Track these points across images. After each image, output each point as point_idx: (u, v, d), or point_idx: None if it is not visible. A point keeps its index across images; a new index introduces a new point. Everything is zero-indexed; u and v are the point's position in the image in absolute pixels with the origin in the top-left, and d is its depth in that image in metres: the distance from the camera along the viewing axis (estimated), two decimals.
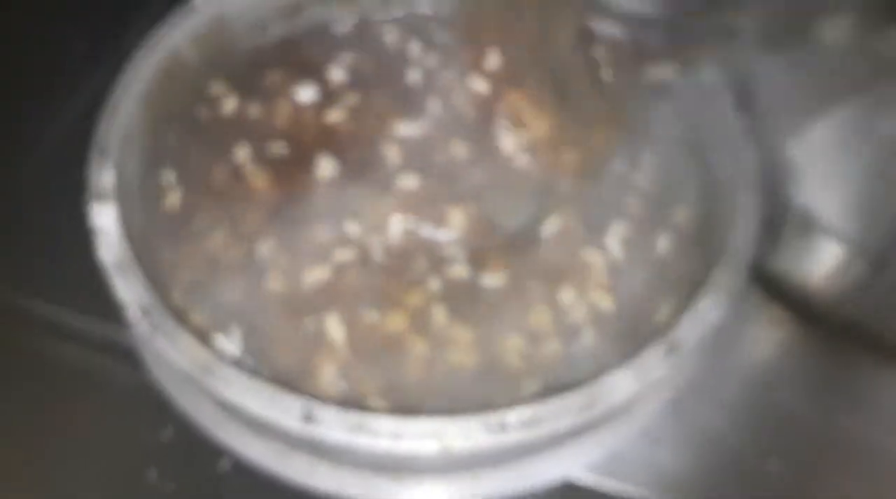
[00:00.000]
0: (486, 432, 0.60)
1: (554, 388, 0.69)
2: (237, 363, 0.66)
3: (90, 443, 0.78)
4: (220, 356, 0.64)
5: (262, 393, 0.61)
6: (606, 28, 0.82)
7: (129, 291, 0.65)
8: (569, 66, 0.84)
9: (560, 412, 0.61)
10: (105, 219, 0.69)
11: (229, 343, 0.71)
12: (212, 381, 0.61)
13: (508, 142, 0.82)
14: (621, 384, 0.62)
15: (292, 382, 0.70)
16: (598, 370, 0.69)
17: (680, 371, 0.68)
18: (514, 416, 0.60)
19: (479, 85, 0.85)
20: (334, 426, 0.60)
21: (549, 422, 0.61)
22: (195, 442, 0.75)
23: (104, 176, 0.71)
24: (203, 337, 0.69)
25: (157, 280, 0.70)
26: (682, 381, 0.72)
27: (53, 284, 0.82)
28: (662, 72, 0.79)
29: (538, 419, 0.60)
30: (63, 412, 0.78)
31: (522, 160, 0.82)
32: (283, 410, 0.61)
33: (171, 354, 0.62)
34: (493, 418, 0.61)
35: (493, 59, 0.86)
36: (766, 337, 0.80)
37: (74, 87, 0.92)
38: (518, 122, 0.82)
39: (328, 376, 0.70)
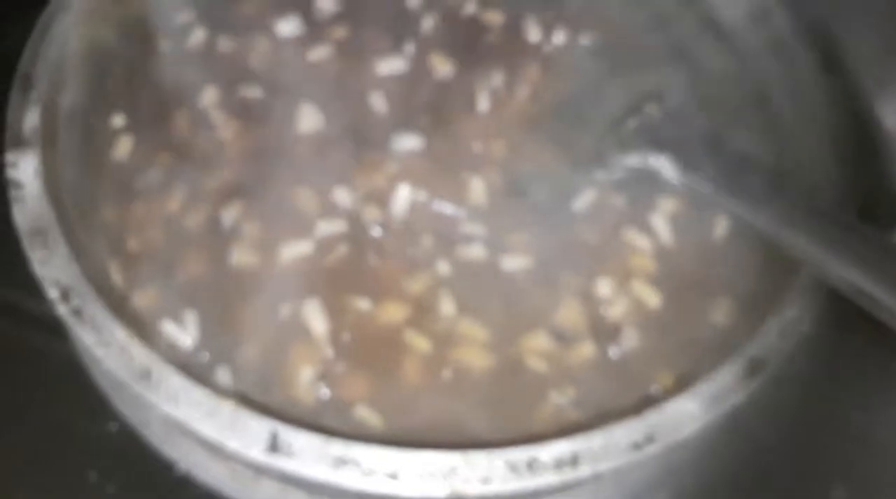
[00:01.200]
0: (510, 474, 0.44)
1: (590, 403, 0.53)
2: (186, 363, 0.49)
3: (21, 434, 0.62)
4: (164, 355, 0.47)
5: (216, 411, 0.44)
6: None
7: (46, 265, 0.48)
8: None
9: (608, 450, 0.45)
10: (22, 171, 0.52)
11: (181, 333, 0.55)
12: (149, 390, 0.45)
13: (527, 87, 0.65)
14: (689, 413, 0.46)
15: (260, 384, 0.54)
16: (644, 382, 0.53)
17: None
18: (547, 453, 0.44)
19: (494, 16, 0.67)
20: (309, 458, 0.44)
21: (592, 462, 0.44)
22: (142, 444, 0.59)
23: (27, 115, 0.54)
24: (145, 326, 0.52)
25: (90, 251, 0.53)
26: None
27: None
28: None
29: (578, 458, 0.44)
30: None
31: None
32: (242, 434, 0.44)
33: (97, 351, 0.45)
34: (520, 453, 0.44)
35: None
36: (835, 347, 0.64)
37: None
38: None
39: (305, 377, 0.55)
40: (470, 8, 0.70)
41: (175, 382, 0.46)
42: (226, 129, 0.64)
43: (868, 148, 0.65)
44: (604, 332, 0.59)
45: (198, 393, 0.46)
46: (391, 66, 0.67)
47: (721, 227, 0.63)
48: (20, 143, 0.53)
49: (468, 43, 0.69)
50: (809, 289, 0.53)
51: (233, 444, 0.44)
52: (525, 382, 0.57)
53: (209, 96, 0.65)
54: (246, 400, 0.48)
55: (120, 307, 0.52)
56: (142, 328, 0.54)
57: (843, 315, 0.53)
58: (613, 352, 0.58)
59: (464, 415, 0.55)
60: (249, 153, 0.63)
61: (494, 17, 0.70)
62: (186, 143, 0.64)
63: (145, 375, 0.46)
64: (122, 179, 0.61)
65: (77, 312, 0.47)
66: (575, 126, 0.64)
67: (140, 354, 0.47)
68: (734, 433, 0.54)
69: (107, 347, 0.46)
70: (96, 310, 0.48)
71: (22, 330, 0.66)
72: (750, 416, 0.52)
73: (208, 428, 0.45)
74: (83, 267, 0.50)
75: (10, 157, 0.53)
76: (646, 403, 0.51)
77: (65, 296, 0.48)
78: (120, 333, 0.47)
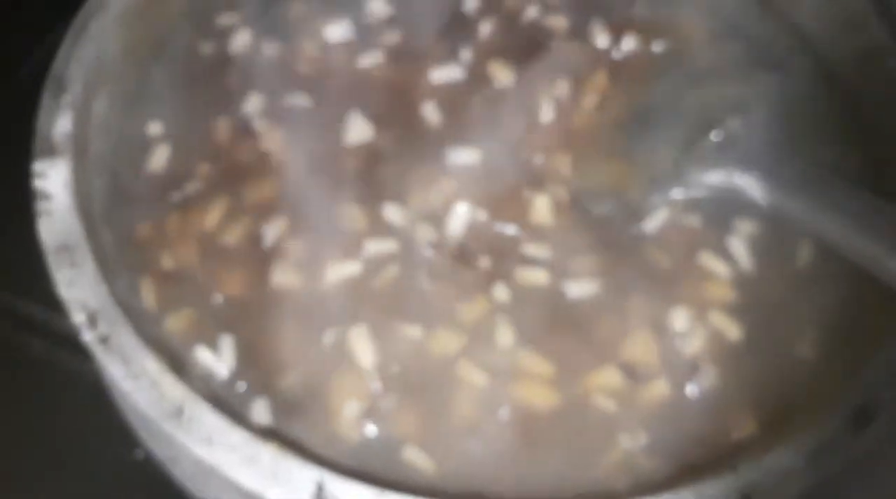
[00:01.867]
0: None
1: (664, 449, 0.47)
2: (221, 394, 0.44)
3: (45, 459, 0.59)
4: (198, 389, 0.41)
5: (256, 456, 0.39)
6: None
7: (73, 286, 0.43)
8: None
9: None
10: (52, 181, 0.47)
11: (216, 360, 0.50)
12: (181, 430, 0.39)
13: (594, 97, 0.58)
14: (792, 469, 0.39)
15: (300, 419, 0.48)
16: (725, 427, 0.47)
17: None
18: None
19: (557, 20, 0.62)
20: None
21: None
22: (169, 478, 0.53)
23: (58, 121, 0.49)
24: (177, 353, 0.46)
25: (120, 270, 0.48)
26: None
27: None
28: None
29: None
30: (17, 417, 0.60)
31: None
32: (285, 483, 0.39)
33: (125, 384, 0.40)
34: None
35: None
36: None
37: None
38: None
39: (350, 412, 0.50)
40: (531, 12, 0.65)
41: (210, 421, 0.41)
42: (269, 138, 0.59)
43: None
44: (679, 368, 0.53)
45: (236, 435, 0.40)
46: (446, 73, 0.62)
47: (805, 251, 0.56)
48: (50, 151, 0.48)
49: (529, 49, 0.63)
50: None
51: (274, 494, 0.39)
52: (592, 423, 0.51)
53: (253, 103, 0.60)
54: (288, 443, 0.42)
55: (150, 332, 0.47)
56: (174, 355, 0.49)
57: None
58: (690, 391, 0.52)
59: (523, 460, 0.49)
60: (294, 165, 0.58)
61: (558, 22, 0.64)
62: (227, 153, 0.59)
63: (177, 412, 0.41)
64: (156, 192, 0.57)
65: (104, 340, 0.42)
66: (648, 140, 0.58)
67: (172, 388, 0.41)
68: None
69: (135, 379, 0.41)
70: (125, 338, 0.43)
71: (48, 348, 0.63)
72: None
73: (247, 476, 0.39)
74: (112, 289, 0.44)
75: (38, 166, 0.48)
76: (735, 453, 0.44)
77: (92, 321, 0.43)
78: (151, 365, 0.42)
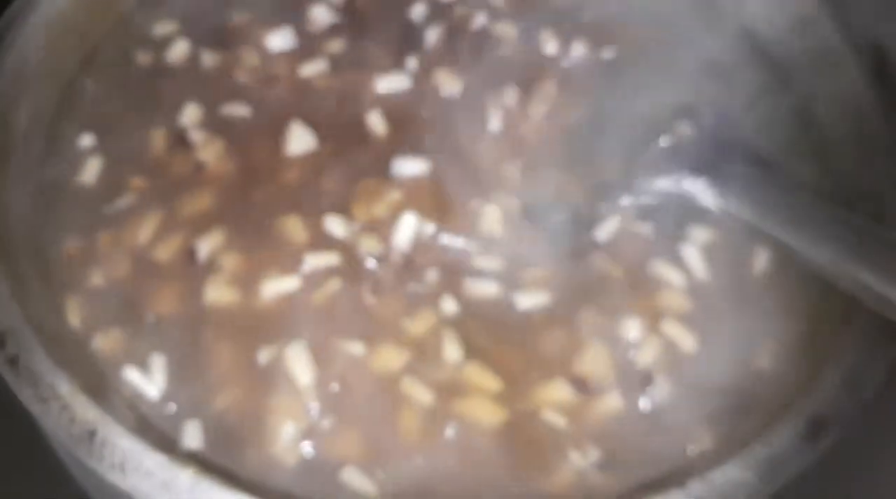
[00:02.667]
0: None
1: (617, 466, 0.44)
2: (148, 417, 0.40)
3: None
4: (117, 410, 0.38)
5: (172, 481, 0.35)
6: None
7: None
8: None
9: None
10: None
11: (145, 381, 0.46)
12: (91, 456, 0.36)
13: (543, 107, 0.56)
14: (743, 484, 0.37)
15: (234, 441, 0.45)
16: (680, 441, 0.44)
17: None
18: None
19: (506, 28, 0.60)
20: None
21: None
22: None
23: None
24: (104, 375, 0.43)
25: (43, 287, 0.44)
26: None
27: None
28: None
29: None
30: None
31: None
32: None
33: (33, 407, 0.36)
34: None
35: None
36: None
37: None
38: None
39: (287, 434, 0.47)
40: (480, 19, 0.62)
41: (124, 444, 0.37)
42: (207, 150, 0.56)
43: None
44: (632, 381, 0.50)
45: (151, 459, 0.37)
46: (392, 82, 0.59)
47: (761, 259, 0.54)
48: None
49: (478, 57, 0.60)
50: (876, 332, 0.43)
51: None
52: (541, 440, 0.48)
53: (189, 114, 0.57)
54: (209, 466, 0.39)
55: (74, 353, 0.43)
56: (99, 377, 0.45)
57: None
58: (643, 404, 0.49)
59: (469, 481, 0.45)
60: (232, 177, 0.55)
61: (506, 29, 0.62)
62: (162, 165, 0.56)
63: (88, 436, 0.37)
64: (87, 206, 0.53)
65: (12, 361, 0.39)
66: (597, 147, 0.55)
67: (84, 410, 0.38)
68: None
69: (44, 402, 0.38)
70: (36, 358, 0.39)
71: None
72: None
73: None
74: (26, 308, 0.41)
75: None
76: (687, 468, 0.41)
77: (1, 343, 0.39)
78: (63, 386, 0.38)
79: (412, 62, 0.60)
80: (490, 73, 0.60)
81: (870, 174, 0.53)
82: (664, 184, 0.52)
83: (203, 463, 0.41)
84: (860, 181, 0.54)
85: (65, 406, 0.38)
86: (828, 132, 0.57)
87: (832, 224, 0.46)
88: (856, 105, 0.55)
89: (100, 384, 0.44)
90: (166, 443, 0.42)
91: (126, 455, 0.37)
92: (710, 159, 0.51)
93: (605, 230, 0.54)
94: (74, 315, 0.49)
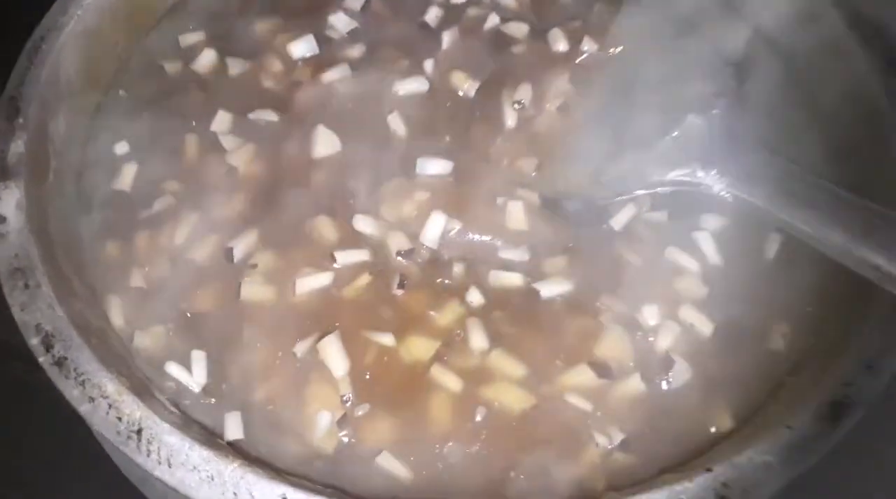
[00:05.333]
0: None
1: (640, 447, 0.42)
2: (191, 410, 0.39)
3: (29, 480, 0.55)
4: (161, 408, 0.37)
5: (218, 474, 0.34)
6: None
7: (27, 309, 0.39)
8: None
9: None
10: (4, 204, 0.43)
11: (187, 376, 0.45)
12: (139, 453, 0.35)
13: (556, 101, 0.54)
14: (765, 467, 0.35)
15: (274, 431, 0.44)
16: (701, 422, 0.43)
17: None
18: None
19: (518, 28, 0.59)
20: None
21: None
22: None
23: (10, 144, 0.44)
24: (147, 372, 0.42)
25: (84, 292, 0.43)
26: None
27: None
28: None
29: None
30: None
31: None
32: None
33: (81, 407, 0.35)
34: None
35: None
36: None
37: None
38: None
39: (323, 423, 0.46)
40: (493, 20, 0.60)
41: (170, 441, 0.36)
42: (237, 154, 0.55)
43: None
44: (652, 364, 0.49)
45: (196, 454, 0.36)
46: (411, 85, 0.58)
47: (773, 244, 0.52)
48: (2, 174, 0.43)
49: (492, 57, 0.59)
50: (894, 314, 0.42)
51: None
52: (566, 423, 0.46)
53: (219, 121, 0.56)
54: (258, 458, 0.37)
55: (117, 352, 0.42)
56: (142, 374, 0.44)
57: None
58: (664, 387, 0.48)
59: (499, 462, 0.44)
60: (263, 180, 0.54)
61: (518, 29, 0.60)
62: (195, 170, 0.55)
63: (135, 434, 0.36)
64: (124, 210, 0.52)
65: (60, 362, 0.38)
66: (611, 139, 0.53)
67: (131, 409, 0.37)
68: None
69: (92, 402, 0.36)
70: (82, 359, 0.38)
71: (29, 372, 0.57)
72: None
73: (209, 494, 0.34)
74: (70, 311, 0.40)
75: None
76: (711, 449, 0.40)
77: (46, 344, 0.38)
78: (109, 386, 0.37)
79: (429, 65, 0.59)
80: (504, 72, 0.58)
81: (880, 161, 0.52)
82: (678, 175, 0.50)
83: (245, 454, 0.39)
84: (870, 167, 0.52)
85: (112, 405, 0.37)
86: (834, 117, 0.55)
87: (843, 209, 0.44)
88: (865, 94, 0.53)
89: (143, 382, 0.43)
90: (210, 437, 0.41)
91: (172, 451, 0.36)
92: (722, 150, 0.50)
93: (621, 220, 0.53)
94: (117, 315, 0.48)
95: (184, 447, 0.36)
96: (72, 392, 0.37)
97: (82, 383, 0.38)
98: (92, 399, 0.37)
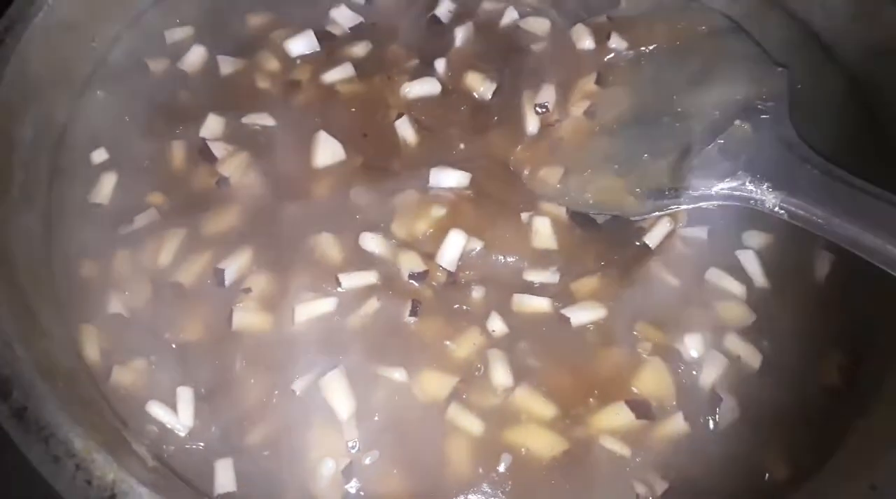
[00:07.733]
0: None
1: (689, 496, 0.37)
2: (177, 460, 0.33)
3: None
4: (137, 465, 0.31)
5: None
6: None
7: None
8: None
9: None
10: None
11: (172, 417, 0.39)
12: None
13: (582, 103, 0.49)
14: None
15: (270, 481, 0.38)
16: (752, 467, 0.37)
17: None
18: None
19: (537, 24, 0.54)
20: None
21: None
22: None
23: None
24: (125, 414, 0.36)
25: (54, 320, 0.37)
26: None
27: None
28: None
29: None
30: None
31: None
32: None
33: (44, 469, 0.29)
34: None
35: None
36: None
37: None
38: None
39: (326, 472, 0.41)
40: (510, 15, 0.54)
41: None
42: (230, 163, 0.49)
43: None
44: (697, 402, 0.43)
45: None
46: (421, 87, 0.52)
47: (823, 263, 0.47)
48: None
49: (510, 56, 0.53)
50: None
51: None
52: (603, 470, 0.41)
53: (210, 125, 0.50)
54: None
55: (89, 400, 0.36)
56: (121, 423, 0.38)
57: None
58: (710, 427, 0.42)
59: None
60: (258, 192, 0.48)
61: (538, 25, 0.54)
62: (183, 181, 0.49)
63: None
64: (102, 227, 0.47)
65: (19, 414, 0.32)
66: (643, 148, 0.48)
67: (102, 470, 0.31)
68: None
69: (56, 462, 0.31)
70: (46, 409, 0.32)
71: None
72: None
73: None
74: (33, 350, 0.34)
75: None
76: None
77: (3, 391, 0.32)
78: (78, 442, 0.32)
79: (441, 64, 0.53)
80: (524, 72, 0.53)
81: None
82: (725, 187, 0.45)
83: None
84: None
85: (80, 465, 0.31)
86: (891, 119, 0.49)
87: None
88: None
89: (119, 433, 0.37)
90: (197, 497, 0.35)
91: None
92: (774, 159, 0.44)
93: (656, 236, 0.47)
94: (92, 347, 0.43)
95: None
96: (34, 450, 0.31)
97: (45, 439, 0.32)
98: (57, 459, 0.31)
